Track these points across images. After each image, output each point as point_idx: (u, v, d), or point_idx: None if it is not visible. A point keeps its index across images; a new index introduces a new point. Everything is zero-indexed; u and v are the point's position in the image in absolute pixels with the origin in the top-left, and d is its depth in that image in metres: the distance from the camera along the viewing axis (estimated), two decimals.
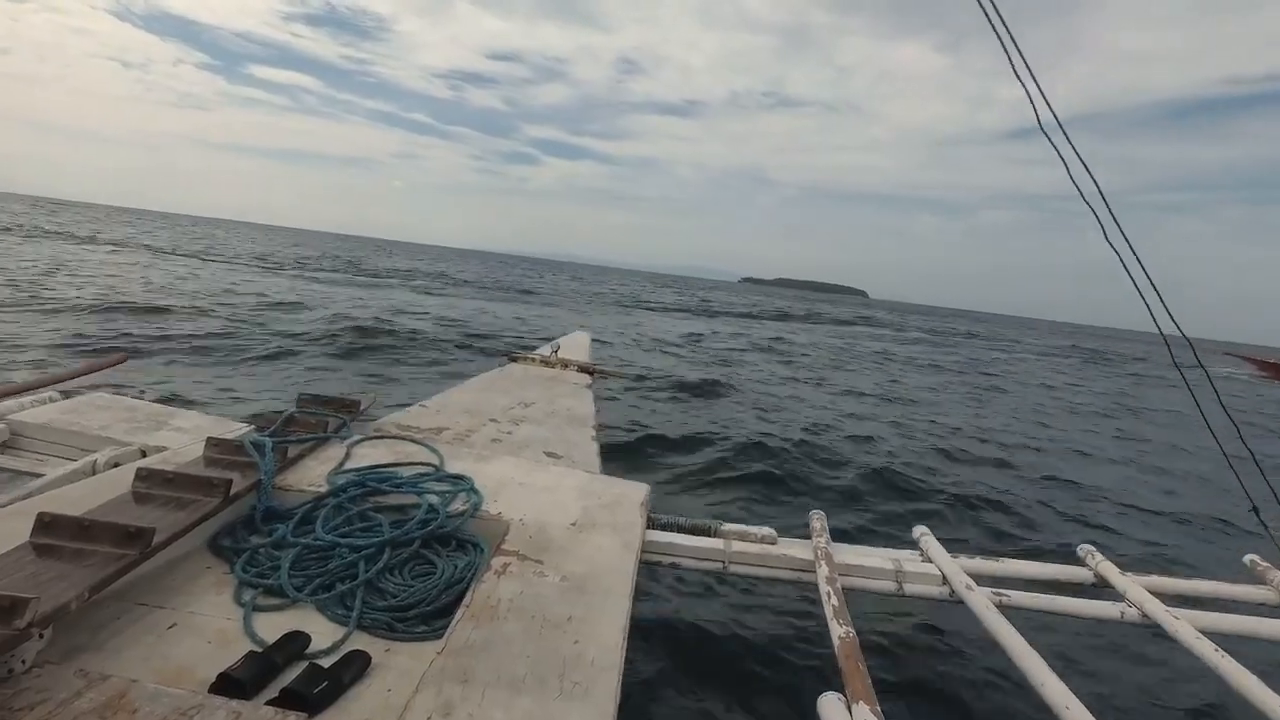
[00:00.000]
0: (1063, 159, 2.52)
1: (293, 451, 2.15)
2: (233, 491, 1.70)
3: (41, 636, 1.14)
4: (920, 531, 2.47)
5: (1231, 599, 2.31)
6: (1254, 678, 1.68)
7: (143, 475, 1.65)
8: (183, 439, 2.27)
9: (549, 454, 2.75)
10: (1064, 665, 1.67)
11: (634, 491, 2.34)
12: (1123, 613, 2.11)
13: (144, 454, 2.15)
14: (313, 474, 2.10)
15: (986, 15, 2.26)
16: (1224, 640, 1.91)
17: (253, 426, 2.33)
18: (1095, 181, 2.53)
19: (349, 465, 2.20)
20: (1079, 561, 2.46)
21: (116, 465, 2.04)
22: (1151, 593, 2.16)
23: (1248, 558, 2.47)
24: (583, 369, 4.68)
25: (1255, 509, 2.59)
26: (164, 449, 2.17)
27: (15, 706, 1.02)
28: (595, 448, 2.98)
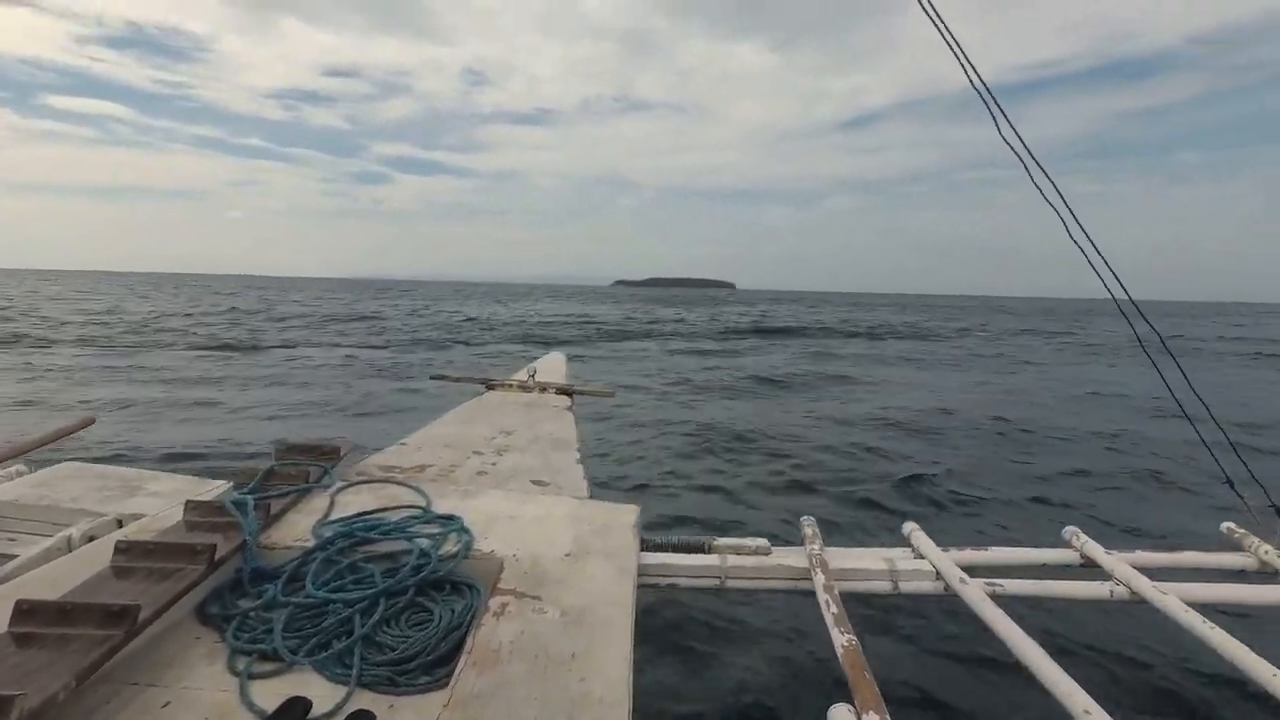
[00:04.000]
0: (994, 119, 2.63)
1: (276, 507, 2.10)
2: (217, 556, 1.66)
3: None
4: (910, 528, 2.49)
5: (1215, 568, 2.37)
6: (1243, 646, 1.72)
7: (122, 548, 1.61)
8: (159, 504, 2.21)
9: (536, 482, 2.73)
10: (1062, 647, 1.69)
11: (624, 514, 2.33)
12: (1111, 591, 2.15)
13: (120, 524, 2.10)
14: (298, 528, 2.05)
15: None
16: (1211, 609, 1.96)
17: (232, 484, 2.28)
18: (1021, 139, 2.63)
19: (335, 515, 2.16)
20: (1065, 544, 2.50)
21: (92, 539, 1.99)
22: (1137, 568, 2.20)
23: (1224, 525, 2.54)
24: (562, 391, 4.66)
25: (1229, 481, 2.67)
26: (141, 516, 2.11)
27: None
28: (581, 471, 2.97)
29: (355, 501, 2.30)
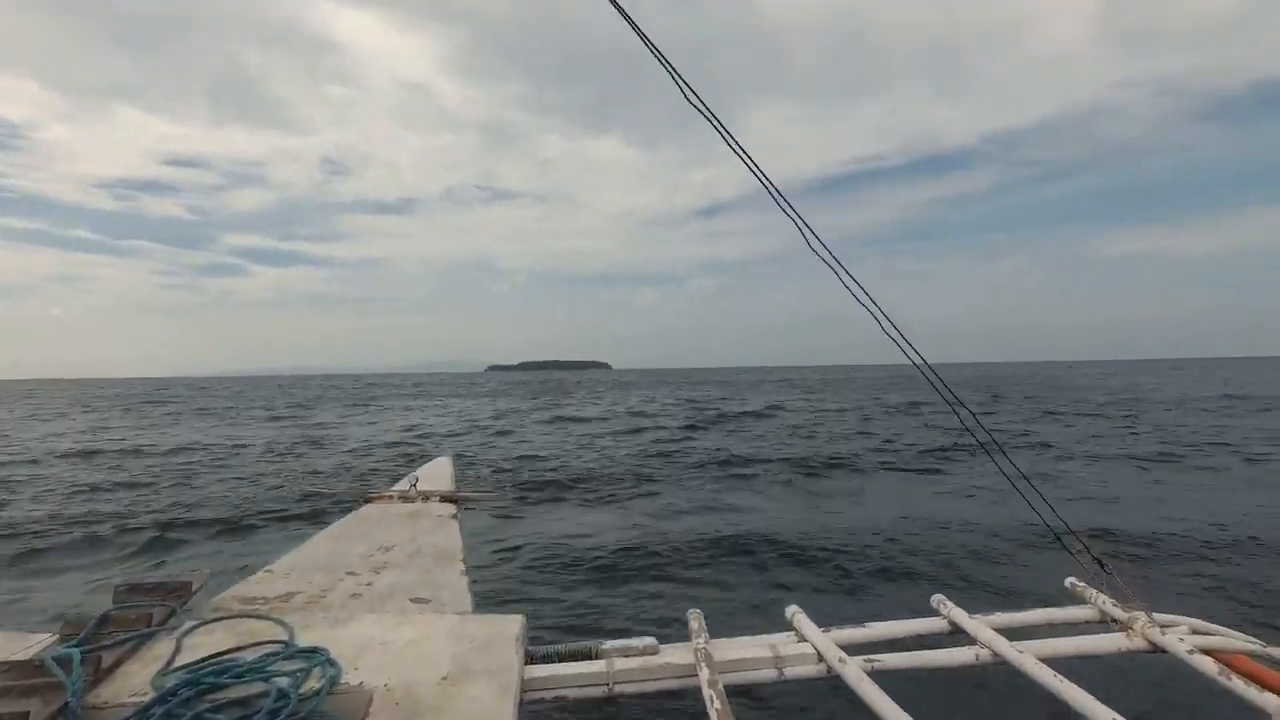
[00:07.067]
0: (795, 221, 2.70)
1: (108, 659, 1.88)
2: None
3: None
4: (792, 610, 2.55)
5: (1065, 621, 2.57)
6: (1089, 696, 1.87)
7: None
8: None
9: (416, 600, 2.60)
10: (940, 714, 1.76)
11: (508, 626, 2.25)
12: (977, 655, 2.28)
13: None
14: (135, 681, 1.84)
15: (706, 116, 2.55)
16: (1064, 663, 2.12)
17: (57, 636, 2.02)
18: (820, 239, 2.71)
19: (181, 660, 1.96)
20: (934, 612, 2.64)
21: None
22: (999, 630, 2.36)
23: (1067, 581, 2.78)
24: (446, 499, 4.51)
25: (1059, 538, 2.93)
26: None
27: None
28: (465, 583, 2.86)
29: (207, 643, 2.10)
